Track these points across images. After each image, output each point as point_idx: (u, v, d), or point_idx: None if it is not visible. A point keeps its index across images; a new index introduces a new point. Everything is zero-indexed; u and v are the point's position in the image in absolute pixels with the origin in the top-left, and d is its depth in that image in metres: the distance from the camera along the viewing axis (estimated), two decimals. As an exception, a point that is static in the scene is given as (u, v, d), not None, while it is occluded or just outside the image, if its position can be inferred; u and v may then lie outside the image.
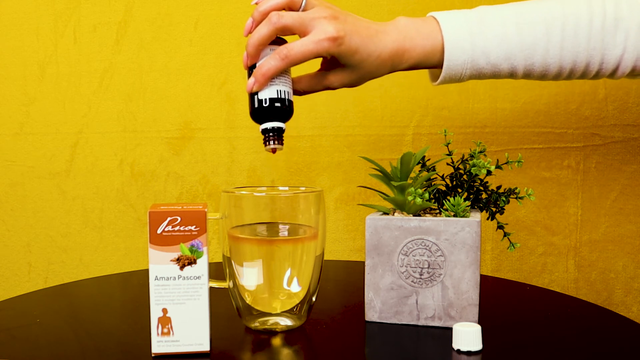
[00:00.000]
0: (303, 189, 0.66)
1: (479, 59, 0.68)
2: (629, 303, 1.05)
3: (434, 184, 0.73)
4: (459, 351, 0.58)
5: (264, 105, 0.64)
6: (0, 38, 1.12)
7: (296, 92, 0.69)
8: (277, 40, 0.66)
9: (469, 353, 0.58)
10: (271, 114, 0.65)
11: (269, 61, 0.64)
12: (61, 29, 1.11)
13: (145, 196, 1.12)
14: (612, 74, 0.70)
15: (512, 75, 0.70)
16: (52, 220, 1.13)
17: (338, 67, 0.68)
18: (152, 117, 1.11)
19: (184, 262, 0.57)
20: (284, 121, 0.65)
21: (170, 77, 1.10)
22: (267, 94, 0.65)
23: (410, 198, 0.65)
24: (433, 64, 0.69)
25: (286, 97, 0.65)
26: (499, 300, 0.78)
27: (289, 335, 0.64)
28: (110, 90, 1.11)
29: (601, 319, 0.71)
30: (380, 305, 0.67)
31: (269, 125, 0.64)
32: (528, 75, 0.70)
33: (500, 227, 0.74)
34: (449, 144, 0.76)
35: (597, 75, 0.70)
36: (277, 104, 0.64)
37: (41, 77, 1.12)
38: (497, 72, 0.69)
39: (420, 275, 0.65)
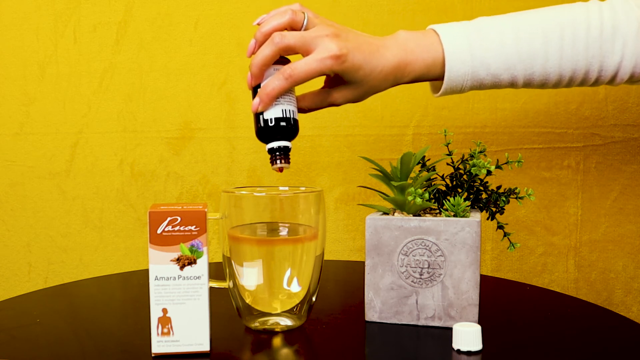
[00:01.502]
0: (303, 189, 0.66)
1: (479, 70, 0.68)
2: (629, 303, 1.05)
3: (434, 184, 0.73)
4: (459, 351, 0.58)
5: (269, 124, 0.65)
6: (0, 38, 1.12)
7: (301, 110, 0.69)
8: (281, 59, 0.67)
9: (469, 353, 0.58)
10: (277, 133, 0.65)
11: (273, 81, 0.64)
12: (61, 29, 1.11)
13: (145, 196, 1.12)
14: (611, 81, 0.70)
15: (512, 85, 0.70)
16: (52, 220, 1.13)
17: (341, 84, 0.68)
18: (152, 117, 1.11)
19: (184, 262, 0.57)
20: (289, 140, 0.65)
21: (170, 77, 1.10)
22: (272, 113, 0.65)
23: (410, 198, 0.65)
24: (434, 76, 0.69)
25: (291, 116, 0.65)
26: (499, 300, 0.78)
27: (289, 335, 0.64)
28: (110, 90, 1.11)
29: (601, 319, 0.71)
30: (380, 305, 0.67)
31: (275, 144, 0.65)
32: (528, 84, 0.70)
33: (500, 227, 0.74)
34: (449, 144, 0.76)
35: (597, 82, 0.70)
36: (283, 123, 0.65)
37: (41, 77, 1.12)
38: (497, 82, 0.69)
39: (420, 275, 0.65)
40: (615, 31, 0.67)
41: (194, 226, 0.57)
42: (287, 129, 0.65)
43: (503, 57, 0.68)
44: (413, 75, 0.69)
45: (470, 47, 0.68)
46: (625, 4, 0.68)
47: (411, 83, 0.71)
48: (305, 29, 0.66)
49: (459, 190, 0.73)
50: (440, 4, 1.04)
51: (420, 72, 0.68)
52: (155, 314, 0.57)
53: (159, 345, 0.58)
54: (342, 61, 0.64)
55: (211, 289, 0.61)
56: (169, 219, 0.57)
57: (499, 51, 0.68)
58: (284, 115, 0.65)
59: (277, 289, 0.64)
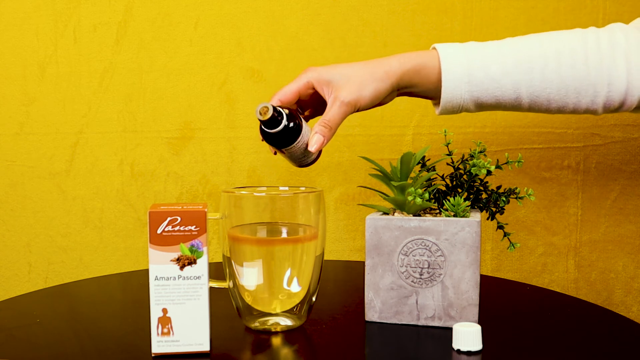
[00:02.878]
0: (303, 189, 0.66)
1: (477, 72, 0.68)
2: (629, 303, 1.05)
3: (434, 184, 0.73)
4: (459, 351, 0.58)
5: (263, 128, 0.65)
6: (0, 38, 1.12)
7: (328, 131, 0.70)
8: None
9: (469, 353, 0.58)
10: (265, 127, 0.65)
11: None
12: (61, 29, 1.11)
13: (145, 196, 1.12)
14: (622, 104, 0.69)
15: (517, 97, 0.69)
16: (52, 220, 1.13)
17: (338, 86, 0.69)
18: (152, 117, 1.11)
19: (184, 262, 0.57)
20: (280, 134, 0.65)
21: (170, 77, 1.10)
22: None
23: (410, 198, 0.65)
24: (431, 80, 0.70)
25: (282, 110, 0.65)
26: (499, 300, 0.78)
27: (289, 335, 0.64)
28: (110, 90, 1.11)
29: (601, 319, 0.71)
30: (380, 305, 0.67)
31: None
32: (534, 99, 0.69)
33: (500, 227, 0.74)
34: (449, 144, 0.76)
35: (607, 102, 0.69)
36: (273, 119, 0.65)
37: (41, 77, 1.12)
38: (499, 88, 0.69)
39: (420, 275, 0.65)
40: (614, 48, 0.67)
41: (194, 226, 0.57)
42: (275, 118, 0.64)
43: (500, 61, 0.68)
44: (407, 65, 0.69)
45: (465, 51, 0.69)
46: (622, 26, 0.69)
47: (411, 93, 0.71)
48: None
49: (459, 190, 0.73)
50: (440, 4, 1.04)
51: (414, 63, 0.69)
52: (155, 314, 0.57)
53: (159, 345, 0.58)
54: (313, 69, 0.70)
55: (211, 289, 0.61)
56: (169, 219, 0.57)
57: (495, 55, 0.68)
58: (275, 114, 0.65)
59: (277, 289, 0.64)
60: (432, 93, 0.72)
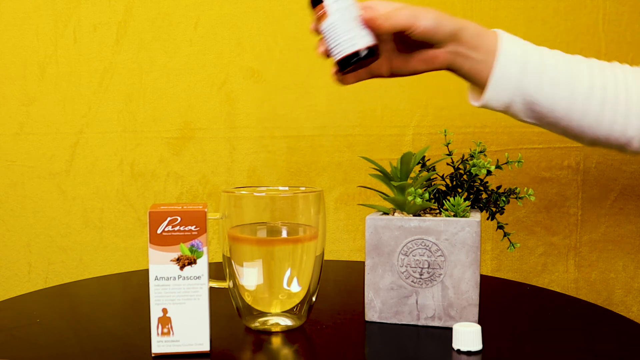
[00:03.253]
0: (303, 189, 0.66)
1: (532, 60, 0.66)
2: (629, 303, 1.05)
3: (434, 184, 0.73)
4: (459, 351, 0.58)
5: None
6: (0, 38, 1.12)
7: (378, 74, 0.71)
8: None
9: (469, 353, 0.58)
10: None
11: None
12: (61, 29, 1.11)
13: (145, 196, 1.12)
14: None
15: (570, 95, 0.67)
16: (52, 220, 1.13)
17: None
18: (152, 117, 1.11)
19: (184, 262, 0.57)
20: None
21: (170, 77, 1.10)
22: None
23: (410, 198, 0.65)
24: (490, 47, 0.66)
25: None
26: (499, 300, 0.78)
27: (289, 335, 0.64)
28: (110, 90, 1.11)
29: (601, 319, 0.71)
30: (380, 305, 0.67)
31: None
32: (573, 111, 0.68)
33: (500, 227, 0.74)
34: (449, 144, 0.76)
35: (626, 120, 0.67)
36: None
37: (41, 77, 1.12)
38: (549, 83, 0.66)
39: (420, 275, 0.65)
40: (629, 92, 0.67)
41: (194, 226, 0.57)
42: None
43: (554, 63, 0.66)
44: (473, 25, 0.66)
45: (522, 41, 0.67)
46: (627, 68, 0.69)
47: (462, 68, 0.68)
48: None
49: (459, 190, 0.73)
50: (440, 4, 1.04)
51: (478, 27, 0.66)
52: (155, 314, 0.57)
53: (159, 345, 0.58)
54: None
55: (211, 289, 0.61)
56: (169, 219, 0.57)
57: (548, 56, 0.67)
58: None
59: (277, 289, 0.64)
60: (484, 70, 0.67)
